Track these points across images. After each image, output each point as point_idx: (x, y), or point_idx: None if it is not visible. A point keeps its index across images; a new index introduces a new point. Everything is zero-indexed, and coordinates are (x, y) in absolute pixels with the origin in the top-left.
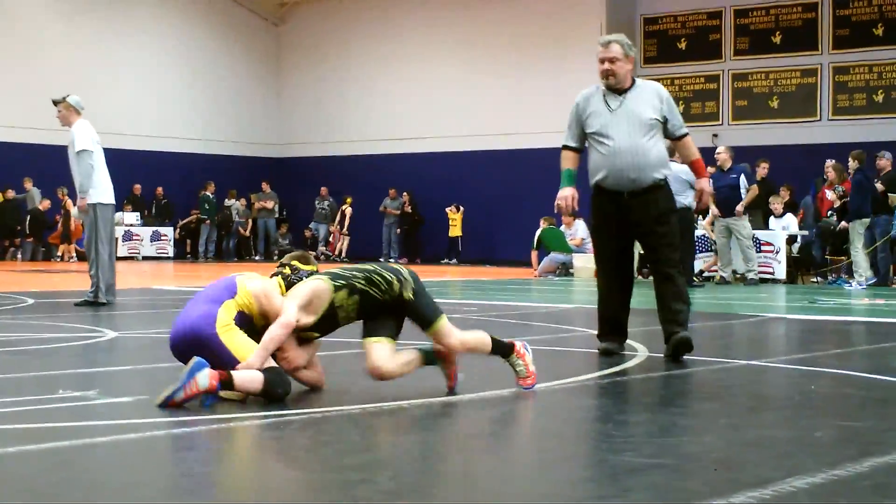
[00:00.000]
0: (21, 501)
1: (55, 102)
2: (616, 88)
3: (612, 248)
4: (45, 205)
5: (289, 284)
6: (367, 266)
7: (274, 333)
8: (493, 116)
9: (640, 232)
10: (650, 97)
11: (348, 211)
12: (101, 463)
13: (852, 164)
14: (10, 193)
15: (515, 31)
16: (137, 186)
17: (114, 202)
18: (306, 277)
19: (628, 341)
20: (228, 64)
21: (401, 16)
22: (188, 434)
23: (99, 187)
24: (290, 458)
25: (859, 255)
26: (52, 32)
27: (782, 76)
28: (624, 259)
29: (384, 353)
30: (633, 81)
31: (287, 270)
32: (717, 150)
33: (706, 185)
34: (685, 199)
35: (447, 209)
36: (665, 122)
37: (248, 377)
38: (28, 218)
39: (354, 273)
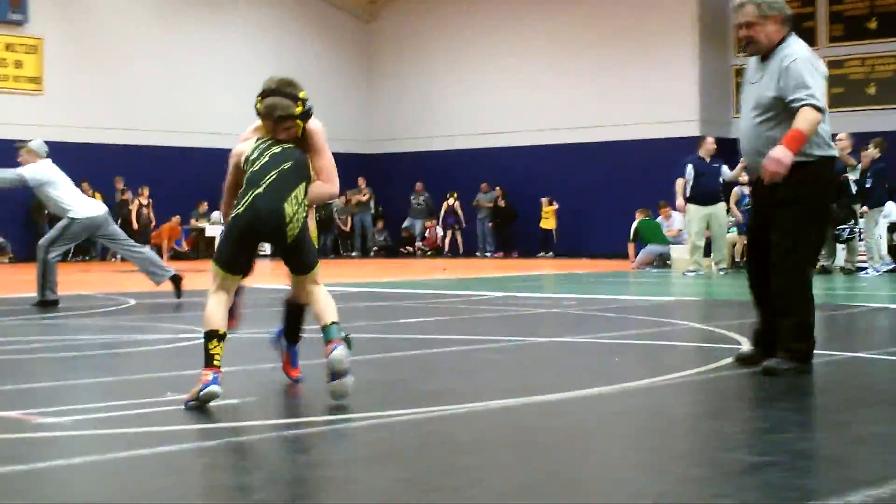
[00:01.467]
0: None
1: (18, 147)
2: (764, 55)
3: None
4: (135, 205)
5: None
6: None
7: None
8: (584, 109)
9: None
10: (775, 66)
11: (456, 205)
12: (212, 467)
13: (873, 152)
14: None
15: (606, 23)
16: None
17: (92, 215)
18: None
19: (730, 333)
20: (320, 61)
21: (490, 11)
22: (298, 437)
23: (78, 205)
24: (400, 459)
25: (875, 241)
26: (143, 33)
27: (879, 62)
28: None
29: None
30: (782, 43)
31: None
32: (839, 137)
33: (772, 154)
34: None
35: (542, 199)
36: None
37: None
38: (119, 219)
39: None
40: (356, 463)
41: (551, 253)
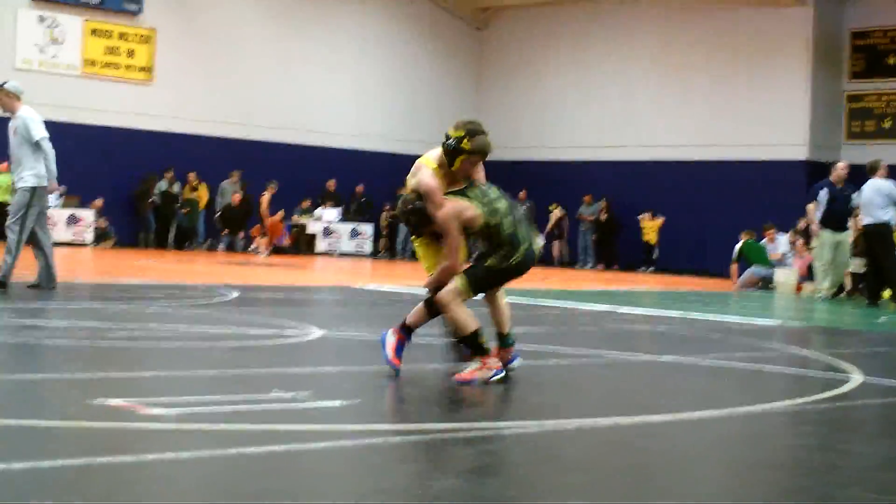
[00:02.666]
0: None
1: None
2: None
3: None
4: (236, 199)
5: (445, 151)
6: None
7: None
8: (695, 127)
9: None
10: None
11: (559, 214)
12: (318, 472)
13: None
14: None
15: (719, 41)
16: (332, 182)
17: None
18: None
19: (839, 362)
20: (430, 66)
21: (603, 24)
22: (406, 444)
23: (40, 171)
24: (509, 475)
25: None
26: (256, 29)
27: None
28: None
29: None
30: None
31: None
32: None
33: None
34: (885, 215)
35: (640, 216)
36: None
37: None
38: (221, 212)
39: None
40: (463, 475)
41: (652, 268)
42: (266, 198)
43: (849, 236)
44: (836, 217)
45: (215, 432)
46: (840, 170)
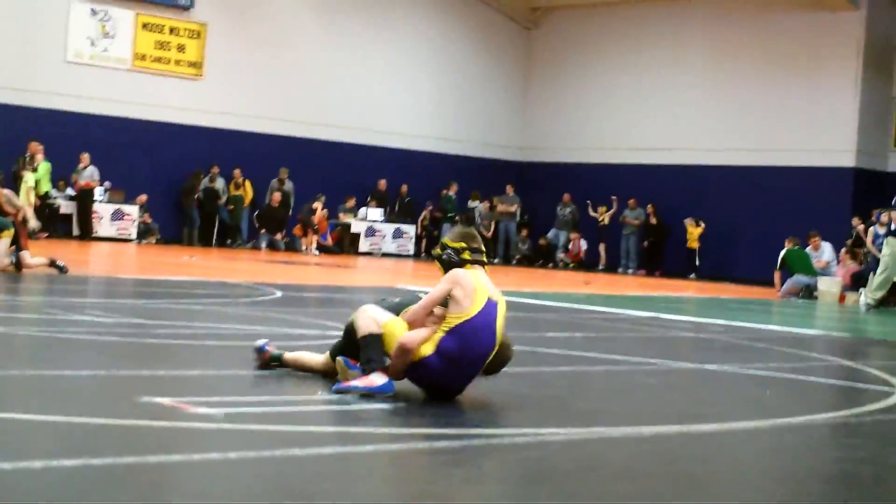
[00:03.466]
0: None
1: None
2: None
3: None
4: (276, 198)
5: (441, 262)
6: None
7: None
8: (742, 132)
9: None
10: None
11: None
12: (363, 476)
13: None
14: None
15: (768, 46)
16: (383, 182)
17: None
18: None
19: (883, 374)
20: (479, 65)
21: (652, 26)
22: (451, 449)
23: None
24: (556, 483)
25: None
26: (307, 27)
27: None
28: None
29: None
30: None
31: (438, 250)
32: None
33: None
34: None
35: (685, 221)
36: None
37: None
38: (257, 211)
39: None
40: (510, 482)
41: (693, 275)
42: (318, 210)
43: None
44: None
45: (262, 432)
46: None
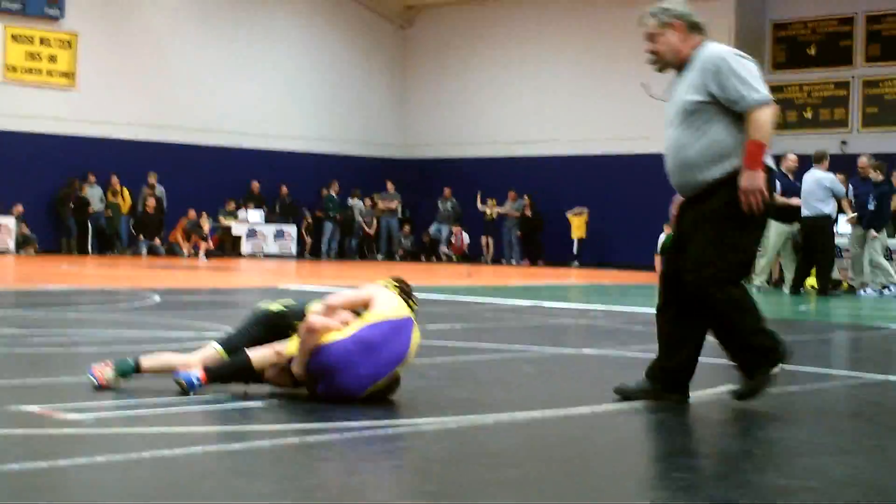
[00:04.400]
0: None
1: None
2: (680, 69)
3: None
4: (150, 204)
5: None
6: None
7: None
8: (614, 121)
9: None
10: (695, 72)
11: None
12: (233, 471)
13: (876, 175)
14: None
15: (638, 37)
16: (256, 184)
17: None
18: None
19: None
20: (355, 65)
21: (525, 21)
22: (324, 442)
23: None
24: (430, 471)
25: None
26: (180, 32)
27: None
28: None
29: None
30: (696, 50)
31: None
32: (860, 158)
33: (745, 180)
34: (825, 207)
35: (567, 213)
36: (717, 99)
37: None
38: (132, 219)
39: None
40: (384, 472)
41: (576, 262)
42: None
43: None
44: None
45: (133, 435)
46: (790, 161)
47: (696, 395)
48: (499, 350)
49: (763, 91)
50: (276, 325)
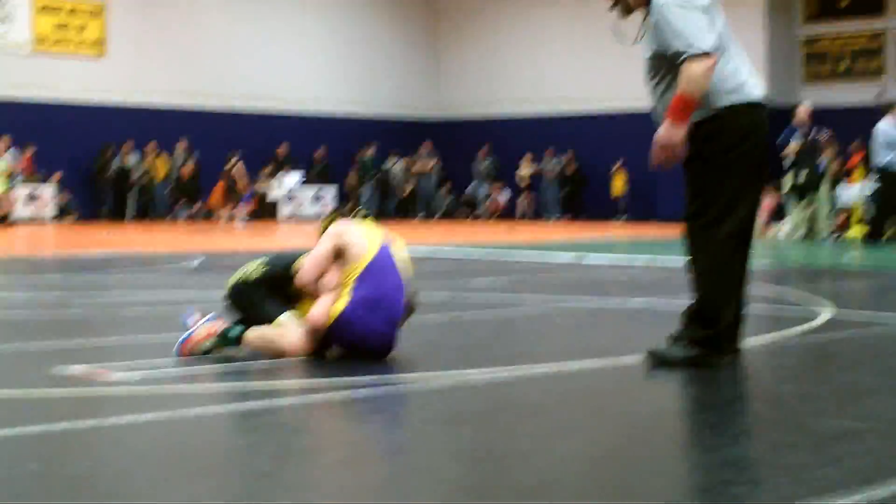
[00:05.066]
0: None
1: None
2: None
3: None
4: (187, 169)
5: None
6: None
7: None
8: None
9: None
10: (650, 23)
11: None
12: (280, 426)
13: None
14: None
15: None
16: (282, 148)
17: None
18: None
19: (815, 296)
20: (387, 25)
21: None
22: (370, 397)
23: None
24: (472, 422)
25: None
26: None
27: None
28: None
29: None
30: None
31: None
32: None
33: (656, 139)
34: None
35: (611, 169)
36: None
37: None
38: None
39: None
40: (428, 424)
41: (624, 217)
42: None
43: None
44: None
45: (178, 394)
46: (802, 113)
47: (750, 342)
48: (544, 303)
49: (698, 42)
50: (266, 285)
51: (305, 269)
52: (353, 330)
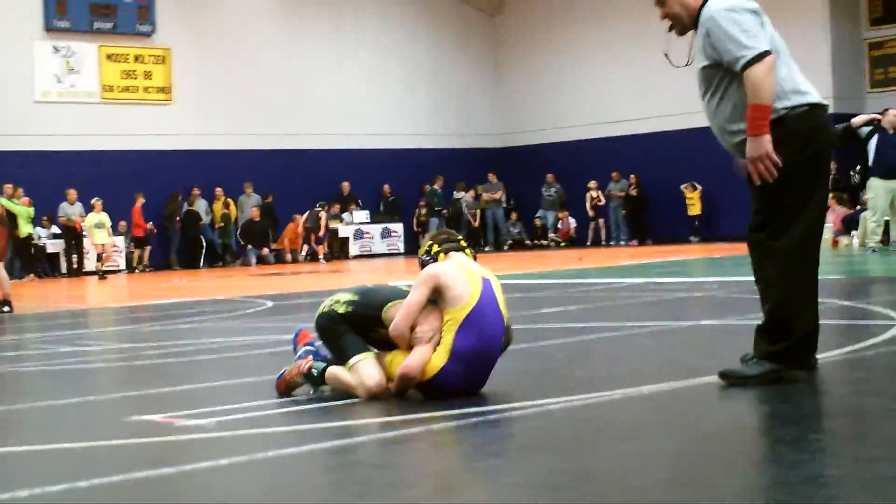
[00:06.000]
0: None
1: None
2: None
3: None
4: (255, 212)
5: (422, 264)
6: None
7: None
8: None
9: None
10: (700, 34)
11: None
12: (361, 464)
13: None
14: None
15: None
16: (346, 185)
17: None
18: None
19: (883, 310)
20: (448, 57)
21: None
22: (453, 428)
23: None
24: (558, 448)
25: None
26: (269, 37)
27: None
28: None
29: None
30: (702, 9)
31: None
32: None
33: (750, 149)
34: None
35: (682, 187)
36: (719, 62)
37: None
38: (242, 227)
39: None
40: (513, 453)
41: (696, 238)
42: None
43: None
44: (889, 165)
45: (254, 436)
46: (892, 115)
47: (828, 355)
48: (617, 328)
49: (753, 45)
50: (351, 324)
51: (399, 321)
52: (450, 383)
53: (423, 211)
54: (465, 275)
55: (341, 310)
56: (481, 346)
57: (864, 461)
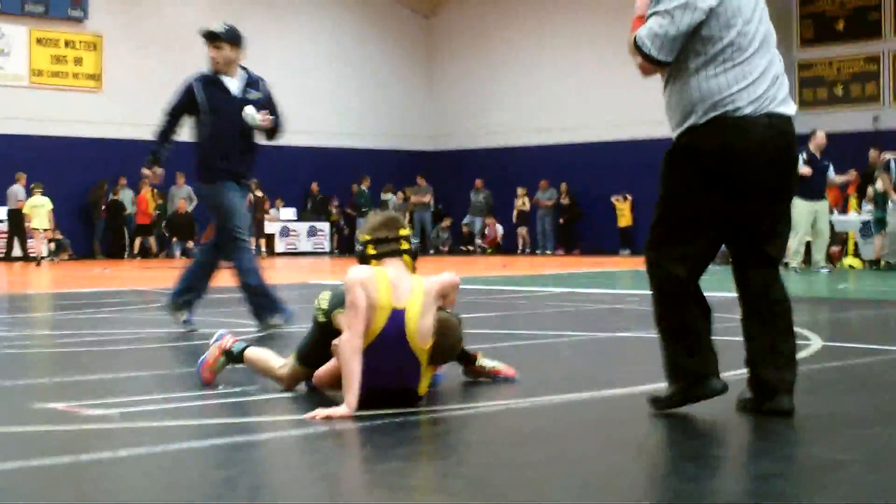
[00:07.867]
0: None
1: None
2: None
3: None
4: (181, 205)
5: (358, 256)
6: None
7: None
8: (649, 104)
9: None
10: None
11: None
12: (262, 461)
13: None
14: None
15: None
16: (314, 185)
17: None
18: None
19: (801, 330)
20: (380, 58)
21: (550, 4)
22: (355, 430)
23: None
24: (461, 454)
25: None
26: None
27: None
28: None
29: None
30: None
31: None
32: None
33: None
34: None
35: (613, 198)
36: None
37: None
38: (167, 219)
39: None
40: (413, 456)
41: (627, 251)
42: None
43: (826, 206)
44: (814, 186)
45: (156, 429)
46: (819, 139)
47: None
48: (535, 336)
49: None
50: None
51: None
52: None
53: (344, 211)
54: (379, 296)
55: (321, 319)
56: (378, 377)
57: (761, 478)
